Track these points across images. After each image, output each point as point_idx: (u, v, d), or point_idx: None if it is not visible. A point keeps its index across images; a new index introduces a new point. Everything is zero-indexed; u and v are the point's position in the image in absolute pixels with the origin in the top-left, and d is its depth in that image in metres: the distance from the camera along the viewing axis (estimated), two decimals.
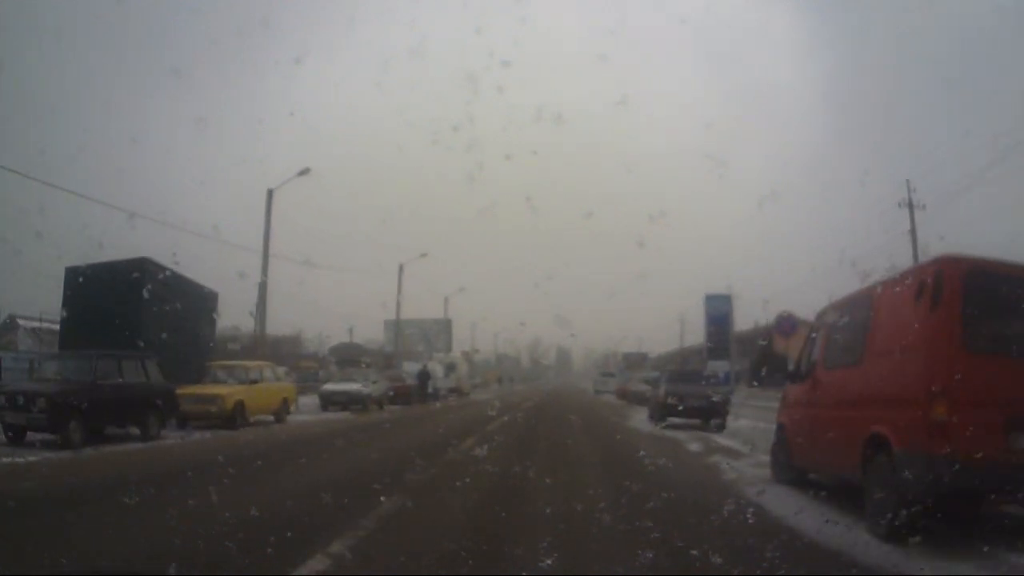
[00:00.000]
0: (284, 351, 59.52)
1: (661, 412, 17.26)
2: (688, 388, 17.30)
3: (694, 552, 5.11)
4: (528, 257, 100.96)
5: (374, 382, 26.73)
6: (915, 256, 32.29)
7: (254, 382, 18.42)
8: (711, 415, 17.09)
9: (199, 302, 21.98)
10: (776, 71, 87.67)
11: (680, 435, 16.22)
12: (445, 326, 66.04)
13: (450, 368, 45.79)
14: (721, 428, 17.68)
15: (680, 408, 17.14)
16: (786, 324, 20.88)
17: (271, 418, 19.47)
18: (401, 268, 50.00)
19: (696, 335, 68.66)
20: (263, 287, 31.90)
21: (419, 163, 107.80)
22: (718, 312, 52.13)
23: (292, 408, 20.61)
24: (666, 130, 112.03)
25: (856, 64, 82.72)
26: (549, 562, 4.87)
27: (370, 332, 70.60)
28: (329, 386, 26.22)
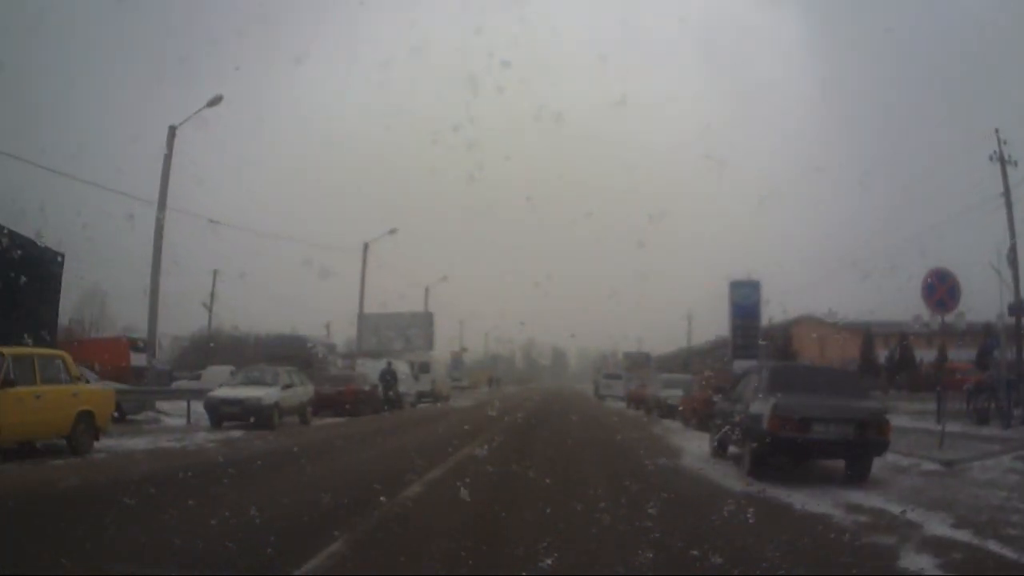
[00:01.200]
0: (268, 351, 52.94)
1: (763, 448, 8.52)
2: (825, 401, 8.71)
3: None
4: (527, 257, 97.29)
5: (287, 386, 18.31)
6: (1011, 220, 24.75)
7: (9, 384, 10.08)
8: (862, 453, 8.79)
9: (27, 264, 14.16)
10: (776, 71, 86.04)
11: (805, 500, 7.86)
12: (425, 320, 57.61)
13: (423, 368, 37.41)
14: (863, 477, 9.38)
15: (810, 441, 8.55)
16: (941, 287, 12.28)
17: (63, 443, 11.20)
18: (366, 247, 41.93)
19: (702, 334, 65.02)
20: (157, 256, 23.60)
21: (419, 163, 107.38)
22: (746, 301, 43.71)
23: (104, 427, 12.21)
24: (666, 130, 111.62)
25: (856, 64, 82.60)
26: None
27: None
28: (220, 392, 17.78)
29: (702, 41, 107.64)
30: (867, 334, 63.43)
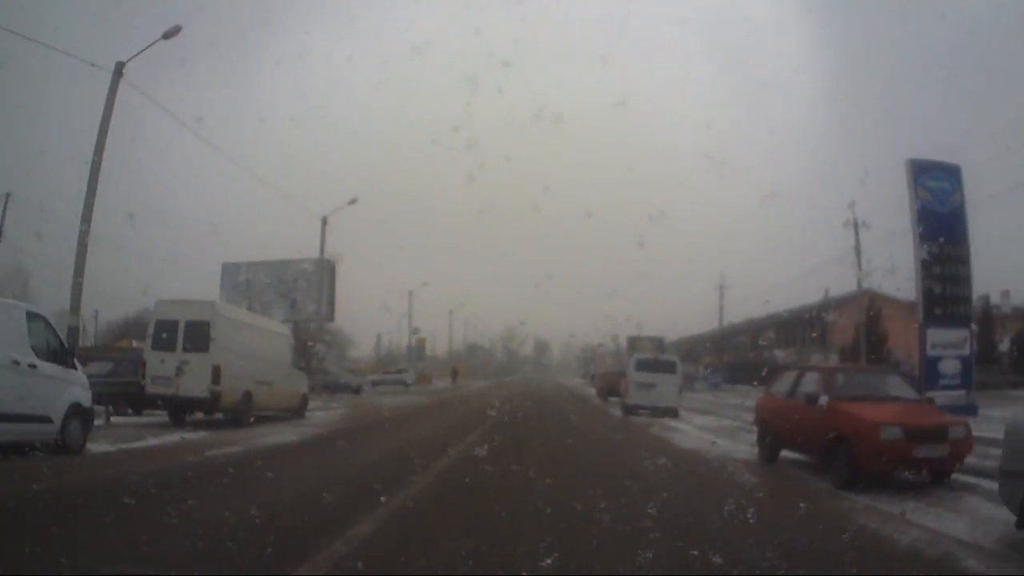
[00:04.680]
0: None
1: None
2: None
3: None
4: (527, 257, 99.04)
5: None
6: None
7: None
8: None
9: None
10: (777, 70, 79.75)
11: None
12: (322, 272, 34.35)
13: (193, 340, 14.36)
14: None
15: None
16: None
17: None
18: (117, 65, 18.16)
19: (708, 322, 60.90)
20: None
21: (419, 163, 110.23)
22: (942, 206, 20.82)
23: None
24: (667, 130, 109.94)
25: (858, 63, 79.63)
26: None
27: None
28: None
29: (703, 41, 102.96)
30: (984, 313, 42.66)
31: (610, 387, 31.01)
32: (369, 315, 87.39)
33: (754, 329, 69.30)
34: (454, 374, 65.82)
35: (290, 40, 69.07)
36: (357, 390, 36.05)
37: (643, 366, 21.36)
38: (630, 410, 20.95)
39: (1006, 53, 71.86)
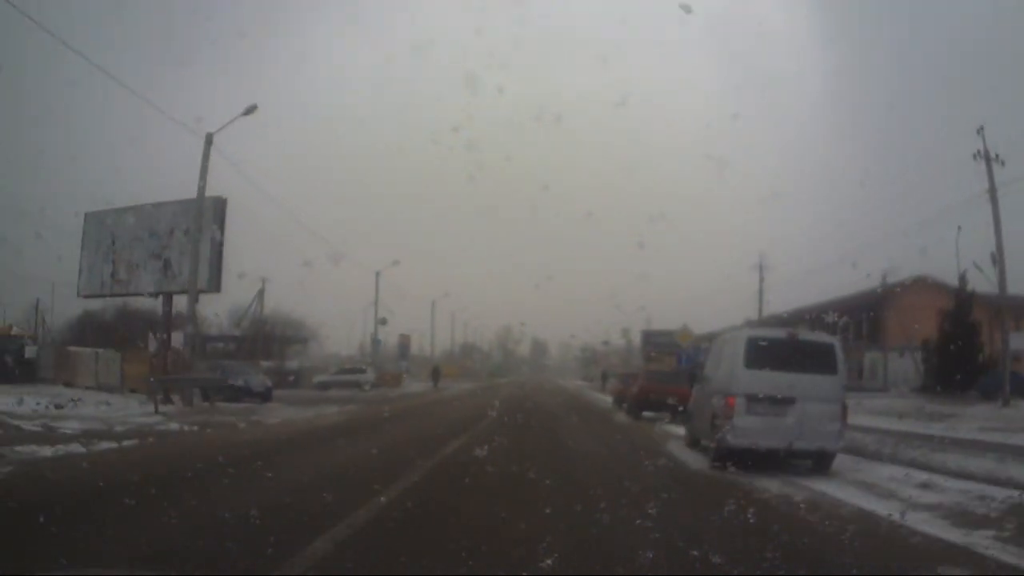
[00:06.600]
0: None
1: None
2: None
3: None
4: (527, 257, 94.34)
5: None
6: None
7: None
8: None
9: None
10: (777, 70, 76.92)
11: None
12: (202, 216, 22.49)
13: None
14: None
15: None
16: None
17: None
18: None
19: (724, 318, 44.25)
20: None
21: (419, 163, 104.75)
22: None
23: None
24: (666, 130, 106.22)
25: (858, 64, 75.84)
26: None
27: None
28: None
29: (703, 41, 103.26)
30: None
31: (647, 398, 19.23)
32: (366, 315, 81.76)
33: (781, 323, 58.65)
34: (435, 375, 54.17)
35: (288, 40, 67.70)
36: (265, 396, 24.31)
37: (766, 358, 8.91)
38: (733, 456, 9.20)
39: (1009, 52, 67.23)
